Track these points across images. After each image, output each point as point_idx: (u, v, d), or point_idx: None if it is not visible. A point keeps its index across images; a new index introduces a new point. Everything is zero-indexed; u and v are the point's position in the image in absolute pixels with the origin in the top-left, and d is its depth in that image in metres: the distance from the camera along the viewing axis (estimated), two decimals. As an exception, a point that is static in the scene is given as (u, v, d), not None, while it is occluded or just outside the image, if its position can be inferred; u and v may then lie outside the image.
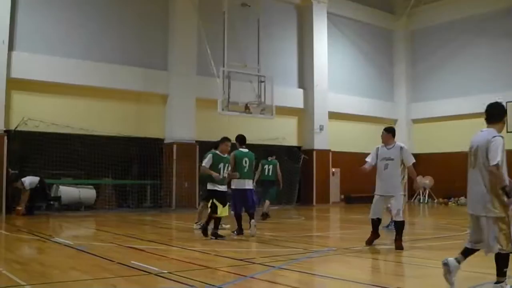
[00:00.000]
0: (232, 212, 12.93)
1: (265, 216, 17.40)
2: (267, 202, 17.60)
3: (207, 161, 11.97)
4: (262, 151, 17.85)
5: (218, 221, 12.17)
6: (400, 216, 10.39)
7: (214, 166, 11.92)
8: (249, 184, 13.02)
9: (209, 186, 12.09)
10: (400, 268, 9.17)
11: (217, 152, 12.20)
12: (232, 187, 12.98)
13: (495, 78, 28.02)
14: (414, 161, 10.74)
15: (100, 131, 21.21)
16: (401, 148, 10.66)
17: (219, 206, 11.82)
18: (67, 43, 20.99)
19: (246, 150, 13.22)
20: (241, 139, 13.46)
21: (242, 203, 12.86)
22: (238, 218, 12.91)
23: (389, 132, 10.89)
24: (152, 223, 17.12)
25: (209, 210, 11.99)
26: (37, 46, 20.24)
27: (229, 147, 12.37)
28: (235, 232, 12.95)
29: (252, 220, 12.59)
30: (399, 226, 10.48)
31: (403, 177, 10.77)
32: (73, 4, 21.35)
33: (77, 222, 17.07)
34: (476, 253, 6.87)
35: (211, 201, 11.91)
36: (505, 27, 27.81)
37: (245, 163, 12.90)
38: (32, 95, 20.32)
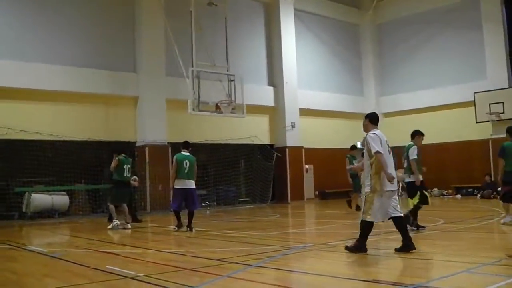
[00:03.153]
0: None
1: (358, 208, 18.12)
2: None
3: (416, 153, 12.52)
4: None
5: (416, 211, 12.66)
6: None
7: (418, 158, 12.52)
8: (190, 184, 14.15)
9: (412, 178, 12.52)
10: (375, 261, 9.21)
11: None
12: (176, 186, 14.15)
13: (462, 69, 28.37)
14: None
15: (70, 136, 21.00)
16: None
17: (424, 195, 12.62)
18: (31, 48, 20.69)
19: (187, 153, 14.33)
20: (184, 144, 14.60)
21: (183, 201, 14.20)
22: (177, 214, 14.30)
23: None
24: (127, 227, 16.98)
25: (416, 201, 12.48)
26: (0, 51, 19.95)
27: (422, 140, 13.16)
28: (176, 227, 14.27)
29: (189, 227, 14.01)
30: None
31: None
32: (37, 8, 21.04)
33: (51, 229, 16.90)
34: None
35: (419, 192, 12.45)
36: (470, 18, 28.13)
37: (186, 164, 14.04)
38: (-2, 102, 20.03)
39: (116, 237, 13.90)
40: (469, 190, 26.85)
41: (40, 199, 19.99)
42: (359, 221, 9.32)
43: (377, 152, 9.04)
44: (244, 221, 17.69)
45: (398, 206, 9.26)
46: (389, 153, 9.42)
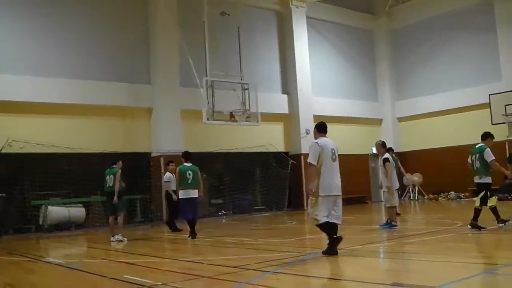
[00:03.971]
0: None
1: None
2: None
3: (492, 154, 12.76)
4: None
5: (478, 213, 12.61)
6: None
7: None
8: (194, 193, 14.86)
9: (484, 179, 12.73)
10: (394, 264, 9.14)
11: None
12: (181, 196, 14.91)
13: (477, 72, 28.18)
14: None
15: (86, 148, 21.04)
16: None
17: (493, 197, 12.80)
18: (48, 63, 20.81)
19: (190, 164, 15.08)
20: (185, 155, 15.46)
21: (191, 210, 14.81)
22: (190, 223, 14.78)
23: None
24: (144, 237, 16.99)
25: (479, 202, 12.63)
26: (18, 67, 20.03)
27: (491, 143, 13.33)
28: (190, 236, 14.67)
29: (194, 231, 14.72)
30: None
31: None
32: (53, 24, 21.18)
33: (68, 241, 16.96)
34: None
35: (483, 193, 12.62)
36: (484, 20, 27.94)
37: (189, 175, 14.78)
38: (15, 116, 20.09)
39: (132, 247, 13.91)
40: (486, 192, 26.59)
41: (57, 211, 20.07)
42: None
43: (310, 163, 9.84)
44: (261, 229, 17.65)
45: (339, 215, 9.84)
46: (333, 161, 9.91)
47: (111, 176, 15.46)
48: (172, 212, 17.77)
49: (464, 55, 28.88)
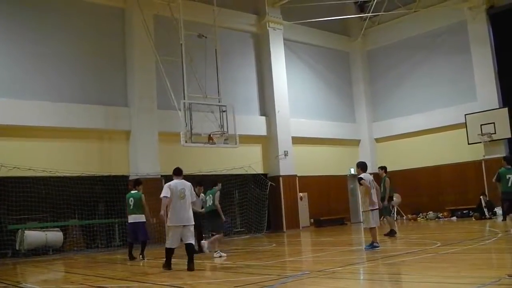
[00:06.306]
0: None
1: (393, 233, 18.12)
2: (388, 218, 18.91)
3: None
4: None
5: None
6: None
7: None
8: (137, 218, 15.94)
9: None
10: (374, 285, 9.14)
11: None
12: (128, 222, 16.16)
13: (452, 92, 28.53)
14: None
15: (64, 172, 20.89)
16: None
17: None
18: (24, 85, 20.74)
19: (135, 191, 16.17)
20: (132, 183, 16.80)
21: (133, 234, 16.07)
22: (130, 247, 16.28)
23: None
24: (122, 262, 16.81)
25: None
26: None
27: None
28: (128, 258, 16.03)
29: (141, 256, 15.95)
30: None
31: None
32: (29, 46, 21.14)
33: (45, 266, 16.72)
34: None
35: None
36: (458, 41, 28.39)
37: (131, 201, 15.96)
38: (-9, 140, 19.95)
39: (112, 271, 13.77)
40: (464, 211, 26.79)
41: (33, 236, 19.85)
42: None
43: (163, 197, 12.11)
44: (240, 252, 17.57)
45: (188, 237, 12.03)
46: (181, 199, 12.06)
47: (210, 195, 15.82)
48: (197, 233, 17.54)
49: (439, 76, 29.26)
